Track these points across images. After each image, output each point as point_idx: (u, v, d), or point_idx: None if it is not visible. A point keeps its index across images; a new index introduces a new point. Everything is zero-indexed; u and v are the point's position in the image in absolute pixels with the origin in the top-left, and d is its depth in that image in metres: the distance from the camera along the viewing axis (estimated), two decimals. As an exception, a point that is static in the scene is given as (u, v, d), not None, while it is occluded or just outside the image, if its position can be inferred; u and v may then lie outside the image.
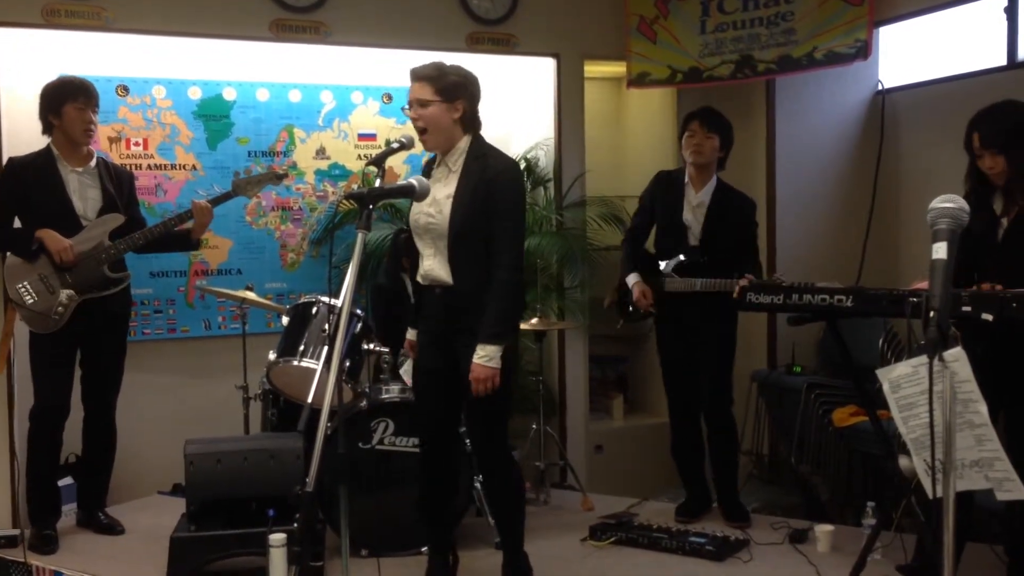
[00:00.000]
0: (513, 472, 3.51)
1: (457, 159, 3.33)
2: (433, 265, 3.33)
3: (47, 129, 4.13)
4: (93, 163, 4.20)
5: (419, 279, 3.43)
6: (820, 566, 3.78)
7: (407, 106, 3.34)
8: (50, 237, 3.98)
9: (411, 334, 3.64)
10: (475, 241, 3.25)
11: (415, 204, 3.35)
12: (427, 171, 3.46)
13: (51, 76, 4.67)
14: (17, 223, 4.12)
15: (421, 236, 3.36)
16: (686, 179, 4.42)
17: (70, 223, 4.07)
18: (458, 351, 3.31)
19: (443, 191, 3.30)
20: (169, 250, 4.46)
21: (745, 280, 3.83)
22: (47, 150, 4.13)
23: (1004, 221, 3.23)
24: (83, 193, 4.14)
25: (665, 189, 4.50)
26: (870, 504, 4.01)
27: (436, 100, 3.25)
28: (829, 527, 4.07)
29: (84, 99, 4.08)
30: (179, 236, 4.28)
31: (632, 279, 4.48)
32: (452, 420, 3.50)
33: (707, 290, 4.21)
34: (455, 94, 3.27)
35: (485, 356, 3.17)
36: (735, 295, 3.96)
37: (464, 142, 3.34)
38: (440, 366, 3.36)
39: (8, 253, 4.10)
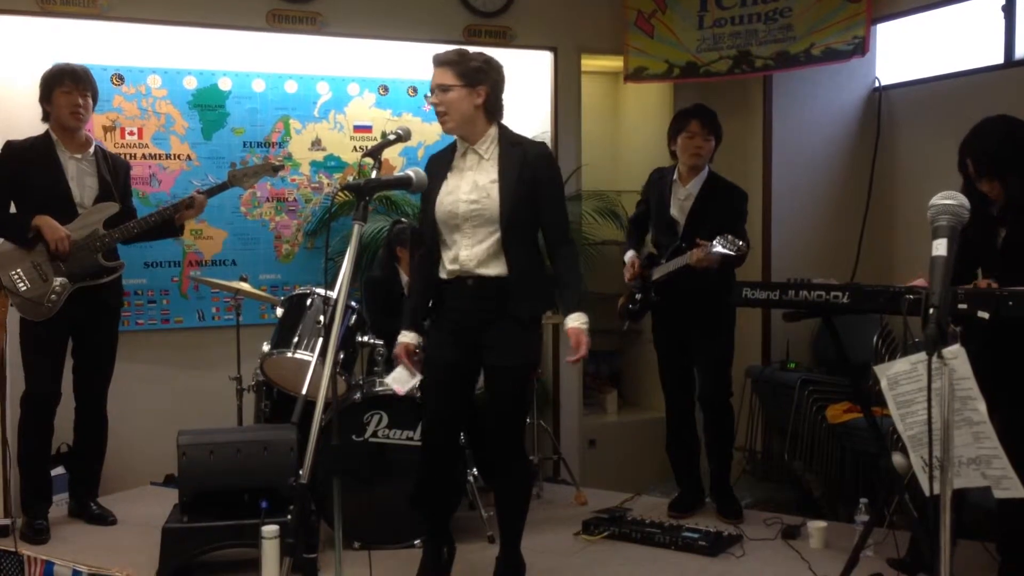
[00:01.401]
0: (528, 470, 3.51)
1: (489, 146, 3.30)
2: (473, 254, 3.26)
3: (46, 116, 4.12)
4: (91, 151, 4.18)
5: (445, 272, 3.34)
6: (812, 562, 3.78)
7: (430, 93, 3.29)
8: (47, 226, 3.96)
9: (408, 337, 3.43)
10: (525, 227, 3.29)
11: (444, 194, 3.30)
12: (434, 165, 3.38)
13: (46, 65, 4.65)
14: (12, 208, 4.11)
15: (459, 225, 3.27)
16: (675, 176, 4.42)
17: (66, 209, 4.05)
18: (486, 341, 3.28)
19: (484, 178, 3.26)
20: (156, 237, 4.42)
21: (695, 248, 4.06)
22: (46, 135, 4.12)
23: (1002, 231, 3.23)
24: (81, 180, 4.12)
25: (658, 187, 4.51)
26: (863, 500, 4.01)
27: (457, 85, 3.22)
28: (822, 523, 4.07)
29: (70, 82, 4.05)
30: (165, 221, 4.25)
31: (628, 255, 4.52)
32: (464, 415, 3.46)
33: (677, 268, 4.22)
34: (477, 79, 3.24)
35: (584, 322, 3.27)
36: (692, 263, 4.07)
37: (493, 130, 3.31)
38: (461, 360, 3.31)
39: (3, 239, 4.08)
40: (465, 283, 3.30)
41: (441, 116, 3.27)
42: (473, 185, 3.26)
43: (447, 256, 3.33)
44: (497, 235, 3.24)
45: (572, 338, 3.27)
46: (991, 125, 3.23)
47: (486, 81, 3.25)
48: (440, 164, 3.37)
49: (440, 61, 3.26)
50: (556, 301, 3.45)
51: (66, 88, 4.05)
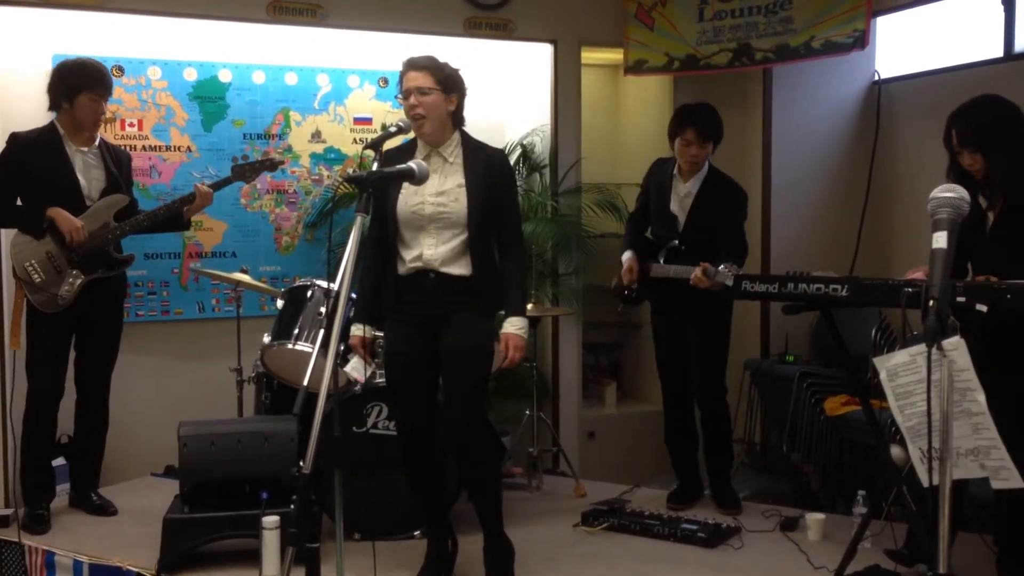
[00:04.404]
0: (491, 450, 3.56)
1: (454, 150, 3.40)
2: (436, 254, 3.34)
3: (55, 107, 4.09)
4: (96, 144, 4.18)
5: (404, 268, 3.39)
6: (810, 554, 3.80)
7: (401, 95, 3.35)
8: (61, 216, 3.96)
9: (362, 330, 3.48)
10: (488, 229, 3.39)
11: (409, 194, 3.35)
12: (392, 161, 3.29)
13: (47, 56, 4.66)
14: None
15: (423, 226, 3.35)
16: (675, 170, 4.41)
17: (75, 202, 4.05)
18: (446, 328, 3.35)
19: (450, 181, 3.35)
20: (164, 230, 4.47)
21: (699, 269, 3.99)
22: (52, 127, 4.10)
23: (990, 215, 3.24)
24: (87, 173, 4.12)
25: (658, 178, 4.50)
26: (861, 493, 4.03)
27: (436, 89, 3.31)
28: (820, 515, 4.09)
29: (100, 90, 4.06)
30: (174, 216, 4.28)
31: (626, 255, 4.51)
32: (434, 403, 3.51)
33: (677, 276, 4.22)
34: (451, 87, 3.36)
35: (521, 327, 3.38)
36: (691, 282, 4.04)
37: (456, 135, 3.43)
38: (424, 351, 3.39)
39: (16, 230, 4.08)
40: (427, 276, 3.37)
41: (419, 119, 3.31)
42: (438, 188, 3.33)
43: (407, 253, 3.40)
44: (462, 237, 3.35)
45: (504, 342, 3.39)
46: (983, 101, 3.23)
47: (457, 90, 3.39)
48: (399, 161, 3.25)
49: (419, 65, 3.34)
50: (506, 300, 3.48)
51: (95, 95, 4.04)
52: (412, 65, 3.33)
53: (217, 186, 4.34)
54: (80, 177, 4.09)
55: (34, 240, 4.01)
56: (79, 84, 4.02)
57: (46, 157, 4.03)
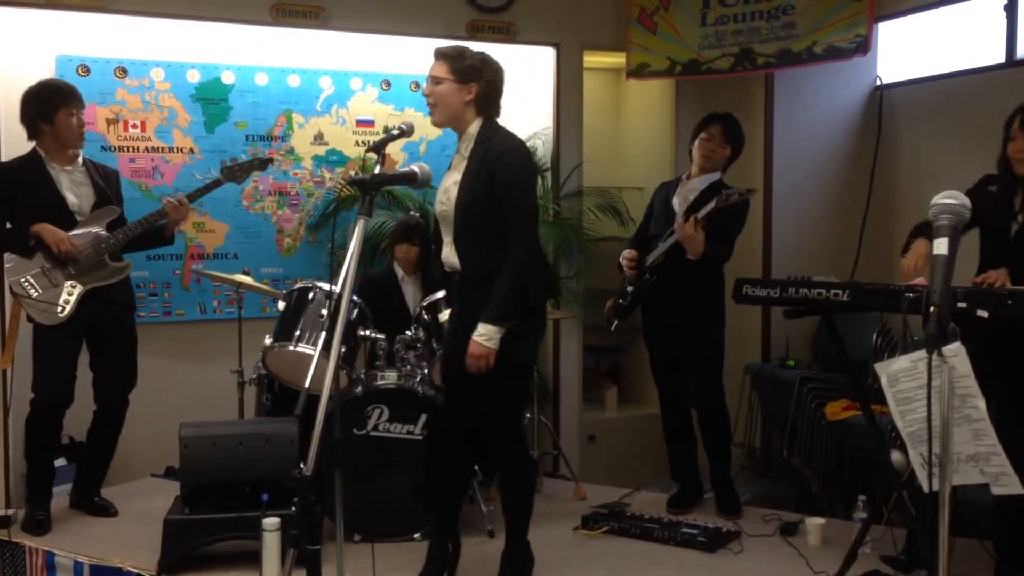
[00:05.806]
0: (524, 464, 3.51)
1: (468, 144, 3.34)
2: (448, 252, 3.36)
3: (34, 134, 4.06)
4: (80, 162, 4.16)
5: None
6: (810, 558, 3.80)
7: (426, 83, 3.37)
8: (46, 230, 3.94)
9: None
10: (481, 227, 3.25)
11: (439, 192, 3.41)
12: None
13: (50, 57, 4.68)
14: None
15: (441, 225, 3.40)
16: (685, 175, 4.46)
17: (65, 219, 4.03)
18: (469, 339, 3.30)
19: (452, 178, 3.34)
20: (148, 247, 4.42)
21: (686, 220, 4.03)
22: (34, 152, 4.08)
23: (1020, 218, 3.24)
24: (76, 190, 4.09)
25: (663, 191, 4.54)
26: (861, 498, 4.04)
27: (449, 79, 3.28)
28: (820, 520, 4.09)
29: (76, 103, 4.04)
30: (155, 232, 4.23)
31: (627, 251, 4.50)
32: (472, 404, 3.46)
33: (667, 246, 4.23)
34: (469, 77, 3.29)
35: (484, 335, 3.15)
36: (682, 231, 4.06)
37: (475, 127, 3.33)
38: (460, 350, 3.33)
39: (6, 252, 4.07)
40: (454, 276, 3.39)
41: (431, 108, 3.34)
42: (444, 187, 3.33)
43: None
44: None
45: (469, 349, 3.17)
46: None
47: (478, 79, 3.29)
48: None
49: (438, 54, 3.34)
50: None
51: (72, 109, 4.02)
52: (435, 54, 3.34)
53: (199, 193, 4.25)
54: (68, 194, 4.06)
55: (27, 258, 4.00)
56: (55, 103, 4.01)
57: (29, 181, 4.01)
